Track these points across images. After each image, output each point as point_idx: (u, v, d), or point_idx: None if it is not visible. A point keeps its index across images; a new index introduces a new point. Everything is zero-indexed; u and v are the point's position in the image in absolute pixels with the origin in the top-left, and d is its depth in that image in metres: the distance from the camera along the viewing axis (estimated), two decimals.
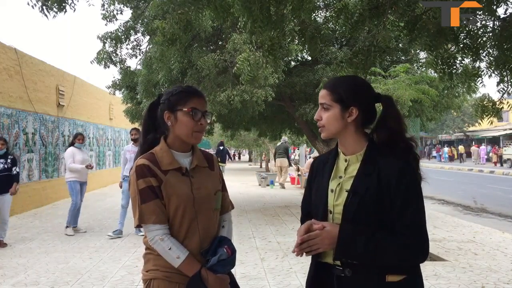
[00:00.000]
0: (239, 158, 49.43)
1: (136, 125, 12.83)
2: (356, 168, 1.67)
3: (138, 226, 1.85)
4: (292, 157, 20.96)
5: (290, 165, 18.39)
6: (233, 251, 1.90)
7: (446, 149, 40.09)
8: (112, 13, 8.89)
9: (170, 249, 1.79)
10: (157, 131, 1.96)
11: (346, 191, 1.65)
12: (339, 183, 1.69)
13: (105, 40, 8.93)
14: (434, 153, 44.69)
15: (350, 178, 1.67)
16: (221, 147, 21.35)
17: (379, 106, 1.76)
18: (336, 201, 1.67)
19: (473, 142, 41.94)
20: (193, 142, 1.93)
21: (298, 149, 22.09)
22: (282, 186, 16.79)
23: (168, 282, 1.83)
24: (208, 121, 1.92)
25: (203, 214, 1.89)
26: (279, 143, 17.79)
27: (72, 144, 7.82)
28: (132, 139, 7.65)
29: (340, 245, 1.58)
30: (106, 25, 9.31)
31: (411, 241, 1.55)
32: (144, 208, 1.80)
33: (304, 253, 1.68)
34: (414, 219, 1.57)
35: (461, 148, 40.13)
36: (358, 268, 1.59)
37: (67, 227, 7.57)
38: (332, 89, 1.71)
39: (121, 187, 7.69)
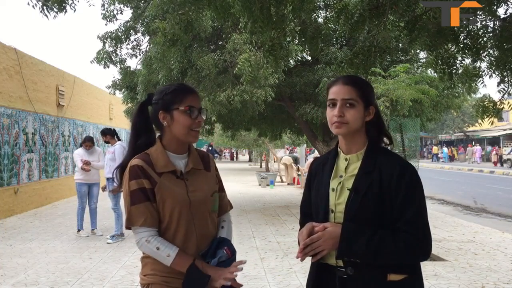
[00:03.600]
0: (237, 158, 49.30)
1: None
2: (357, 167, 1.68)
3: (128, 228, 1.81)
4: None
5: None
6: (233, 252, 1.86)
7: (445, 149, 40.29)
8: (112, 13, 8.89)
9: (158, 248, 1.74)
10: (149, 134, 1.90)
11: (347, 189, 1.66)
12: (340, 182, 1.70)
13: (105, 40, 8.93)
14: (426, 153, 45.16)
15: (351, 176, 1.68)
16: (210, 147, 32.26)
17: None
18: (338, 200, 1.67)
19: (473, 142, 42.02)
20: (191, 141, 1.88)
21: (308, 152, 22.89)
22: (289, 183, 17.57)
23: (166, 287, 1.79)
24: (204, 118, 1.88)
25: (200, 217, 1.85)
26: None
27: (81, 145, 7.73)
28: (105, 142, 7.56)
29: (342, 243, 1.58)
30: (106, 25, 9.32)
31: (413, 239, 1.56)
32: (133, 210, 1.75)
33: (311, 257, 1.67)
34: (415, 217, 1.57)
35: (435, 148, 41.71)
36: (360, 267, 1.60)
37: (79, 230, 7.45)
38: (357, 85, 1.70)
39: (103, 190, 7.59)
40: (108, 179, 7.23)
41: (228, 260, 1.83)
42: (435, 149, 41.58)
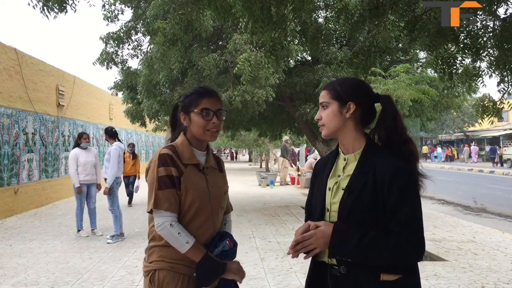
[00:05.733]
0: (236, 158, 49.34)
1: (137, 125, 12.86)
2: (354, 167, 1.69)
3: (151, 212, 1.90)
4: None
5: (292, 164, 18.82)
6: (234, 244, 1.99)
7: (439, 148, 40.51)
8: (113, 13, 8.89)
9: (179, 234, 1.85)
10: (180, 127, 2.07)
11: (342, 189, 1.67)
12: (337, 182, 1.71)
13: (107, 41, 8.93)
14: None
15: (348, 176, 1.69)
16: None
17: (378, 106, 1.77)
18: (333, 199, 1.69)
19: (473, 142, 42.09)
20: (208, 140, 2.01)
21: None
22: (282, 183, 17.40)
23: (173, 273, 1.88)
24: (221, 118, 2.00)
25: (216, 211, 2.00)
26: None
27: (77, 144, 7.50)
28: (106, 140, 7.50)
29: (333, 242, 1.60)
30: (107, 25, 9.33)
31: (405, 241, 1.55)
32: (160, 194, 1.86)
33: (304, 255, 1.69)
34: (408, 218, 1.56)
35: (424, 148, 42.13)
36: (353, 266, 1.60)
37: (78, 230, 7.41)
38: (330, 88, 1.76)
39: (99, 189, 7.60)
40: (105, 179, 7.18)
41: (230, 250, 1.96)
42: (424, 149, 41.46)
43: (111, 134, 7.32)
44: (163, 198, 1.86)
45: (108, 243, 6.79)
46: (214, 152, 2.18)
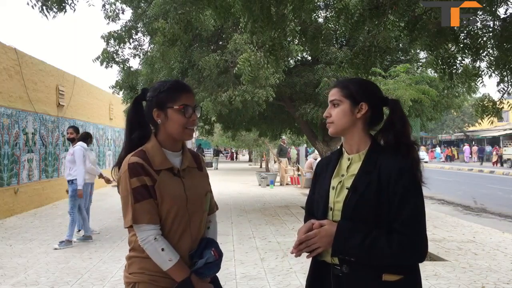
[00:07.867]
0: (236, 158, 49.27)
1: None
2: (358, 167, 1.69)
3: (130, 227, 1.77)
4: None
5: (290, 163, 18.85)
6: (219, 254, 1.86)
7: (438, 148, 40.51)
8: (115, 12, 8.88)
9: (163, 250, 1.73)
10: (143, 128, 1.88)
11: (346, 188, 1.67)
12: (341, 181, 1.72)
13: (108, 40, 8.92)
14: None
15: (352, 176, 1.69)
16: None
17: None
18: (337, 198, 1.69)
19: (473, 142, 42.12)
20: (186, 139, 1.88)
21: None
22: (282, 182, 17.50)
23: (154, 286, 1.77)
24: (198, 115, 1.88)
25: (196, 216, 1.86)
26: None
27: (84, 142, 7.21)
28: (68, 139, 7.26)
29: (337, 240, 1.60)
30: (108, 24, 9.30)
31: (408, 241, 1.56)
32: (138, 208, 1.73)
33: (306, 254, 1.69)
34: (411, 218, 1.57)
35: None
36: (355, 266, 1.60)
37: (79, 230, 7.27)
38: (343, 86, 1.75)
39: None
40: (68, 181, 6.91)
41: (215, 263, 1.83)
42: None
43: (78, 133, 7.20)
44: (142, 211, 1.73)
45: (55, 249, 6.39)
46: (190, 148, 2.03)
